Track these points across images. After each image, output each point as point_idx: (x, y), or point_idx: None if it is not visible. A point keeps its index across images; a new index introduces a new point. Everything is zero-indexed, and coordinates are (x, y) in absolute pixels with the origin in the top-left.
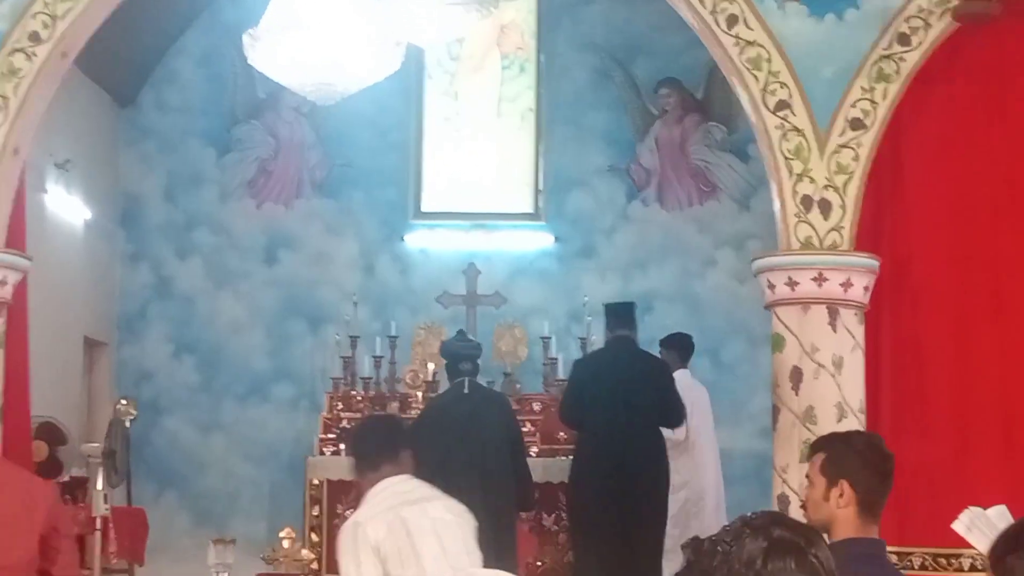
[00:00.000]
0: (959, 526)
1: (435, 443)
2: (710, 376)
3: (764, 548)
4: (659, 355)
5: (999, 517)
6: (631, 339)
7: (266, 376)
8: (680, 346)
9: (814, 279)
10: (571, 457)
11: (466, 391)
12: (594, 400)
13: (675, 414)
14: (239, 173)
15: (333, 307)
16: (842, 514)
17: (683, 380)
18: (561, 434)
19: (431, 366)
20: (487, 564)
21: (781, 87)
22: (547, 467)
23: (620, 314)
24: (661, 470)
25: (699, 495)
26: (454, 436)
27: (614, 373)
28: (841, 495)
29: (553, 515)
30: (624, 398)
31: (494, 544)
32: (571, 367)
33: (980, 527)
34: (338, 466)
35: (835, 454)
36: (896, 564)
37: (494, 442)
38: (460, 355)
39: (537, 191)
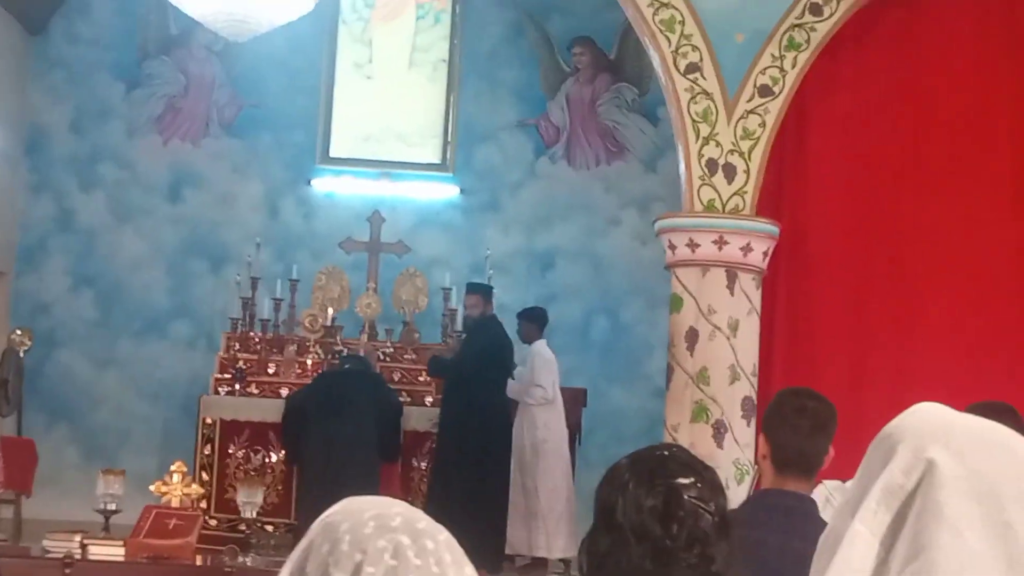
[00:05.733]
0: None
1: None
2: (608, 336)
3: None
4: (518, 326)
5: None
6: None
7: (164, 314)
8: (537, 318)
9: (715, 242)
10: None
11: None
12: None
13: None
14: (147, 109)
15: (235, 248)
16: (763, 466)
17: (541, 349)
18: None
19: (330, 311)
20: None
21: (693, 50)
22: None
23: (488, 295)
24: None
25: (559, 439)
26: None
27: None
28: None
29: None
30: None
31: None
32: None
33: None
34: (232, 406)
35: (767, 410)
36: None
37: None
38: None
39: (446, 142)
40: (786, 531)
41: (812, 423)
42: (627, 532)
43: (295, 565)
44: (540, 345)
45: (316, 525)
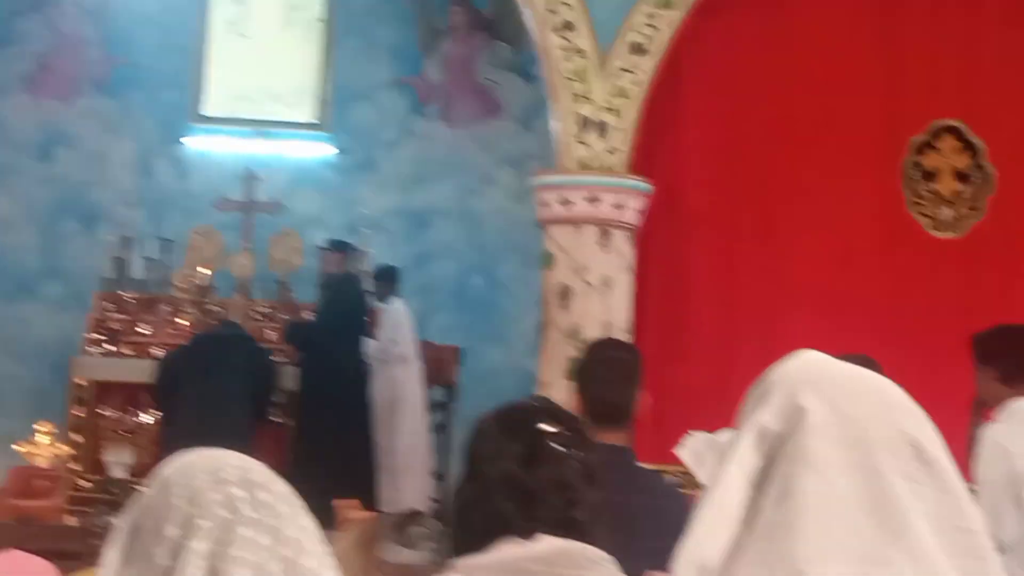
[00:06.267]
0: (686, 454)
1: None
2: (484, 294)
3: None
4: (374, 286)
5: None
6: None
7: (35, 274)
8: (386, 277)
9: (587, 199)
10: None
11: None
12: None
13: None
14: (17, 67)
15: (108, 207)
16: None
17: (392, 306)
18: None
19: (204, 271)
20: None
21: (566, 7)
22: None
23: (347, 252)
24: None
25: (415, 396)
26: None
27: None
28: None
29: None
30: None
31: None
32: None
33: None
34: (105, 367)
35: (575, 367)
36: None
37: None
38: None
39: (321, 101)
40: (612, 486)
41: (620, 373)
42: (492, 478)
43: (131, 520)
44: (392, 303)
45: (151, 480)
